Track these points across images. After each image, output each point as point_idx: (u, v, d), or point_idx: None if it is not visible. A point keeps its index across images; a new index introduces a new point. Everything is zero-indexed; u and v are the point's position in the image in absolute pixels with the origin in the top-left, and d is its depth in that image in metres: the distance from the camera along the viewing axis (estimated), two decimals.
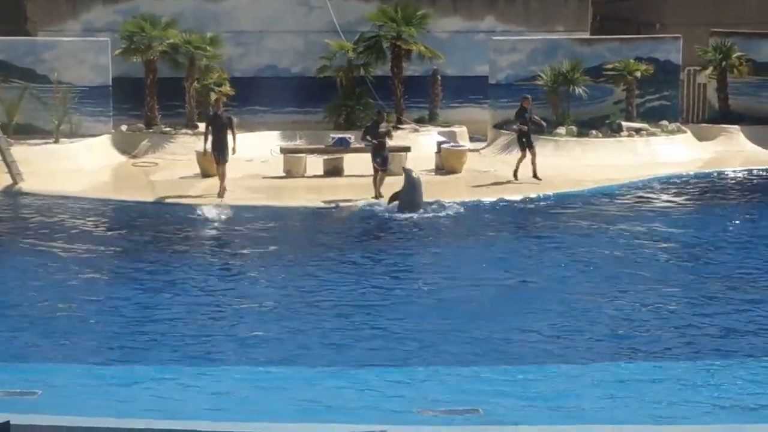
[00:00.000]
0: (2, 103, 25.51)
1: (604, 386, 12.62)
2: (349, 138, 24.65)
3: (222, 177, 22.19)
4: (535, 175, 23.58)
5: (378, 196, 22.12)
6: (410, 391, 12.38)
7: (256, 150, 25.85)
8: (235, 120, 22.81)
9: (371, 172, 22.62)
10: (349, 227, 20.80)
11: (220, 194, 22.05)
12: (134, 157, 26.37)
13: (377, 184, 22.29)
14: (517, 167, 23.70)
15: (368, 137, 22.31)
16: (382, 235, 20.15)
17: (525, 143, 23.81)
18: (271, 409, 11.86)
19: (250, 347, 13.87)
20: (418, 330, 14.57)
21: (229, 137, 22.16)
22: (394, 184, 21.78)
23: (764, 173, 25.61)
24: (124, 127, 27.33)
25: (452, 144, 26.29)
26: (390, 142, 22.98)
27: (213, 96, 26.04)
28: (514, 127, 24.49)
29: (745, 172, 25.75)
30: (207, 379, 12.78)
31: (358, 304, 15.74)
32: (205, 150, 22.67)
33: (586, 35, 30.10)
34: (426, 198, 21.49)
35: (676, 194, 23.74)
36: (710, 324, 14.83)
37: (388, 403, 11.95)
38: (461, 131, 28.21)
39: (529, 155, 23.73)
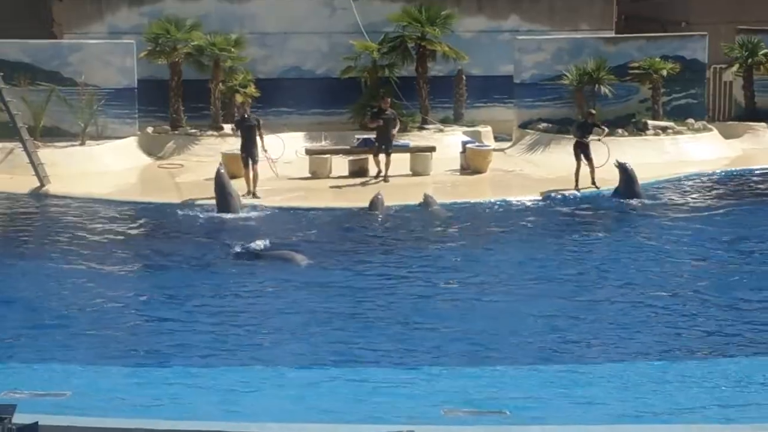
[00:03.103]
0: (29, 106, 25.63)
1: (632, 387, 12.58)
2: (374, 139, 24.65)
3: (255, 177, 22.72)
4: (593, 183, 23.29)
5: (378, 174, 23.88)
6: (437, 392, 12.37)
7: (281, 151, 25.90)
8: (261, 121, 23.41)
9: (398, 172, 23.88)
10: (380, 227, 20.82)
11: (254, 193, 22.53)
12: (160, 159, 26.47)
13: (377, 162, 24.08)
14: (577, 177, 23.21)
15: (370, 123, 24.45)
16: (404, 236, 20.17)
17: (582, 154, 23.30)
18: (299, 407, 11.87)
19: (283, 349, 13.88)
20: (446, 330, 14.57)
21: (258, 139, 22.87)
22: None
23: None
24: (149, 129, 27.43)
25: (477, 144, 26.28)
26: (405, 139, 24.58)
27: (239, 98, 26.20)
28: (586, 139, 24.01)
29: None
30: (237, 381, 12.79)
31: (387, 304, 15.73)
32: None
33: (612, 34, 30.00)
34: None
35: (704, 192, 23.65)
36: (742, 324, 14.78)
37: (414, 403, 11.95)
38: (486, 131, 28.19)
39: (584, 166, 23.25)
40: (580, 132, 23.61)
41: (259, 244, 18.47)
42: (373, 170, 24.35)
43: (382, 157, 24.12)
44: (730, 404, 11.93)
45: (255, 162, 22.79)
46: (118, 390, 12.38)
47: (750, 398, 12.16)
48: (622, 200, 22.54)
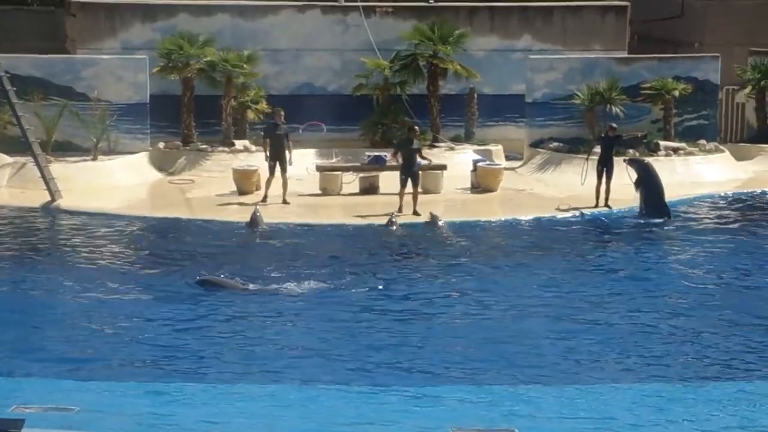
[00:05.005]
0: (41, 120, 25.68)
1: (644, 406, 12.52)
2: (385, 156, 24.66)
3: (285, 185, 23.25)
4: (606, 203, 23.35)
5: (401, 209, 22.47)
6: (446, 411, 12.33)
7: (293, 168, 25.92)
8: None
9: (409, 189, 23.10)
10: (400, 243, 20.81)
11: (284, 200, 23.26)
12: (171, 174, 26.50)
13: (401, 196, 22.64)
14: (598, 195, 23.28)
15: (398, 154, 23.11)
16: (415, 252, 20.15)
17: (603, 171, 23.29)
18: (305, 426, 11.83)
19: (291, 367, 13.83)
20: (454, 349, 14.53)
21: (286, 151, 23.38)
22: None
23: None
24: (161, 145, 27.48)
25: (488, 162, 26.28)
26: (422, 160, 23.29)
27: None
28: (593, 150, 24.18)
29: None
30: (249, 397, 12.75)
31: (394, 323, 15.70)
32: (267, 157, 23.40)
33: (624, 54, 30.00)
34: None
35: (714, 214, 23.57)
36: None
37: (423, 422, 11.90)
38: (497, 150, 28.20)
39: (604, 183, 23.26)
40: (602, 147, 23.54)
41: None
42: (383, 187, 24.20)
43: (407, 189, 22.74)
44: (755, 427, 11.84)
45: (284, 170, 23.25)
46: (126, 406, 12.35)
47: None
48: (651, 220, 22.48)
